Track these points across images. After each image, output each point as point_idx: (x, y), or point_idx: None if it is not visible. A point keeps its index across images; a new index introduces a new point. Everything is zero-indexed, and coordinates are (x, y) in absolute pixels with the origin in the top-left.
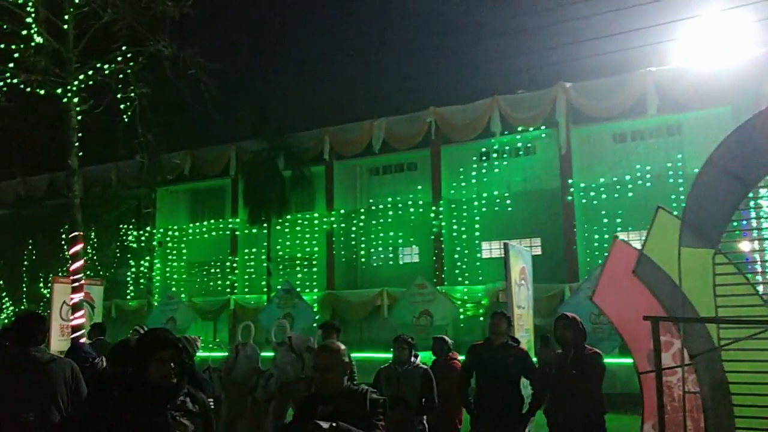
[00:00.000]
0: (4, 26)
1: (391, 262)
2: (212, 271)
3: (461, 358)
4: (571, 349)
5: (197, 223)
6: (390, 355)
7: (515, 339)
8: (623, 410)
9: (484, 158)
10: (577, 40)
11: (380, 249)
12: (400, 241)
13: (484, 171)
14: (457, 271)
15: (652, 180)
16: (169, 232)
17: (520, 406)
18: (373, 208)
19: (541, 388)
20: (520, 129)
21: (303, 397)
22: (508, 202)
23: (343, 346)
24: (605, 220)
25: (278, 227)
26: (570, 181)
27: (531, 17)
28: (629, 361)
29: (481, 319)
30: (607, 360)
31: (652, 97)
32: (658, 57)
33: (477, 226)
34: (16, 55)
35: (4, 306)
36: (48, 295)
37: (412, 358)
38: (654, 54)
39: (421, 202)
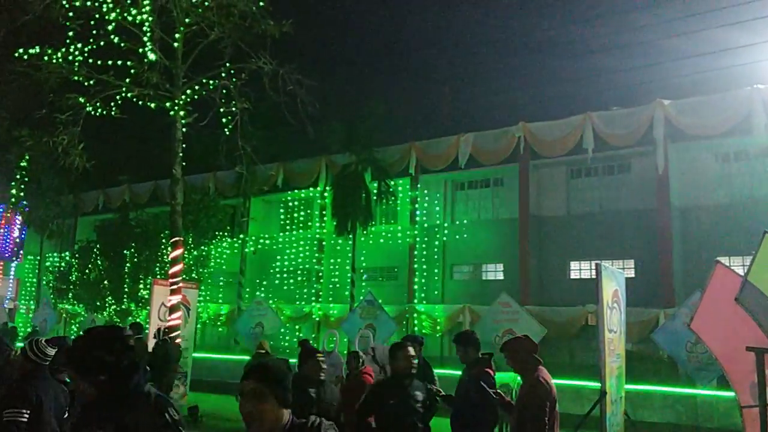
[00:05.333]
0: (122, 45)
1: (473, 278)
2: (299, 279)
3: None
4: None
5: (287, 233)
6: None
7: (487, 355)
8: None
9: (575, 175)
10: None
11: (463, 264)
12: (484, 257)
13: (574, 188)
14: (543, 291)
15: (758, 203)
16: (261, 240)
17: (485, 424)
18: (457, 222)
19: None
20: (614, 146)
21: None
22: (600, 221)
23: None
24: (705, 244)
25: (363, 238)
26: (667, 202)
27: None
28: (729, 394)
29: (570, 340)
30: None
31: (759, 115)
32: (765, 74)
33: (566, 245)
34: (132, 71)
35: (107, 305)
36: (147, 296)
37: None
38: (760, 71)
39: (506, 218)
